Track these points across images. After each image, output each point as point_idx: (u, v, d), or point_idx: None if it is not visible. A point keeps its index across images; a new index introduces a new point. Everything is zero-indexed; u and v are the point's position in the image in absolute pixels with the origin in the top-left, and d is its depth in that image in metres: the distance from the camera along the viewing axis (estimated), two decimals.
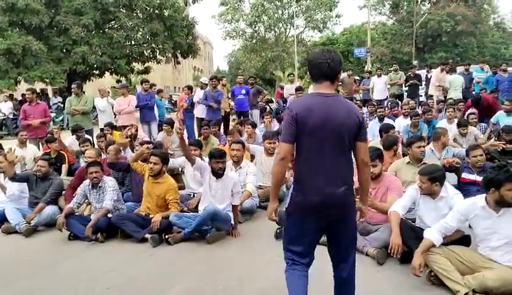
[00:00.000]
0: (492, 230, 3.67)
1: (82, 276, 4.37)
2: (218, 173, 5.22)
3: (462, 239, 4.08)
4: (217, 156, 5.23)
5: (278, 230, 5.06)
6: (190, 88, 12.61)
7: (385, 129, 7.22)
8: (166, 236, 5.09)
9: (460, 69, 16.04)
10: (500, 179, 3.52)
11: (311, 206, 2.73)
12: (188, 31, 25.97)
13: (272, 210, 3.02)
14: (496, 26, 46.61)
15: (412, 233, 4.24)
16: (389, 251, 4.11)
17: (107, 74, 25.36)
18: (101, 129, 9.23)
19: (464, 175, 5.39)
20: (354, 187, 2.84)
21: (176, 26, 24.60)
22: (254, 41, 43.04)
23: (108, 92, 11.06)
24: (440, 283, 3.71)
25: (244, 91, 11.44)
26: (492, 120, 8.72)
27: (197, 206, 5.63)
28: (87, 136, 8.68)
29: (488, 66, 17.28)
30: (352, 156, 2.82)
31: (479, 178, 5.11)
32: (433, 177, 4.18)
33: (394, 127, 7.63)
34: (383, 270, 4.21)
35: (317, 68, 2.74)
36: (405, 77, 13.74)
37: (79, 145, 7.73)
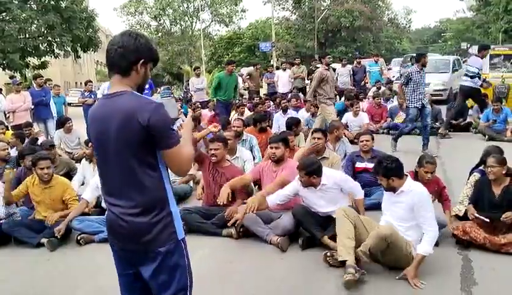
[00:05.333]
0: (388, 206, 4.03)
1: None
2: None
3: None
4: None
5: (184, 227, 5.02)
6: (92, 82, 12.12)
7: (295, 123, 7.40)
8: (78, 237, 4.87)
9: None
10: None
11: (107, 229, 2.25)
12: (88, 23, 24.76)
13: None
14: (390, 22, 49.96)
15: (312, 219, 4.45)
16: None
17: None
18: None
19: (357, 164, 5.77)
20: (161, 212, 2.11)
21: (75, 18, 23.32)
22: (160, 34, 42.26)
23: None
24: (339, 264, 3.91)
25: (147, 86, 11.09)
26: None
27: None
28: None
29: (383, 59, 18.54)
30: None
31: (369, 165, 5.56)
32: (309, 172, 4.36)
33: (300, 121, 7.87)
34: (287, 257, 4.34)
35: (106, 57, 2.13)
36: (307, 71, 14.25)
37: None
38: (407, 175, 3.95)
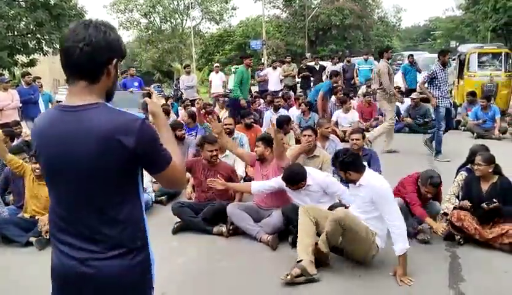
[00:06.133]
0: (352, 197, 4.12)
1: None
2: None
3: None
4: None
5: (176, 225, 5.03)
6: None
7: (286, 121, 7.42)
8: None
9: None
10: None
11: (60, 275, 1.69)
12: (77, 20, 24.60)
13: None
14: (380, 20, 50.07)
15: None
16: None
17: None
18: None
19: None
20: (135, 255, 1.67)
21: (64, 15, 23.20)
22: (150, 32, 42.07)
23: None
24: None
25: (136, 83, 11.07)
26: None
27: None
28: None
29: (373, 58, 18.59)
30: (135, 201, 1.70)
31: None
32: (295, 182, 4.48)
33: (290, 119, 7.89)
34: (276, 255, 4.36)
35: (64, 57, 1.61)
36: (297, 69, 14.25)
37: None
38: (365, 167, 3.97)
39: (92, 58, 1.57)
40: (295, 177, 4.47)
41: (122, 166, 1.59)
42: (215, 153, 5.24)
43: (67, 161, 1.59)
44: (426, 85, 7.78)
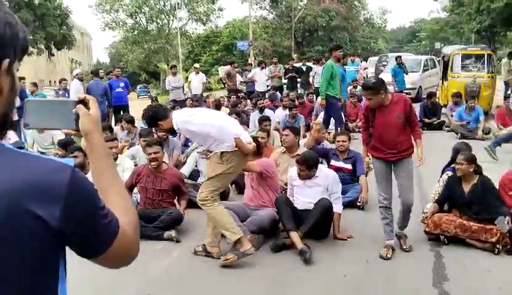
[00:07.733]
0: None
1: None
2: None
3: None
4: None
5: None
6: (66, 80, 12.04)
7: (259, 120, 7.68)
8: None
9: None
10: None
11: None
12: (62, 20, 24.45)
13: None
14: (366, 22, 50.47)
15: (290, 211, 4.41)
16: None
17: None
18: None
19: (332, 162, 5.81)
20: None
21: (49, 15, 23.06)
22: (136, 32, 41.81)
23: None
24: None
25: (122, 84, 11.05)
26: None
27: None
28: None
29: (359, 59, 18.75)
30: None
31: (343, 165, 5.76)
32: (309, 165, 4.54)
33: (269, 119, 7.93)
34: (259, 254, 4.31)
35: None
36: (284, 70, 14.30)
37: None
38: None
39: None
40: (310, 159, 4.57)
41: (36, 260, 0.90)
42: (153, 155, 4.91)
43: None
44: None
